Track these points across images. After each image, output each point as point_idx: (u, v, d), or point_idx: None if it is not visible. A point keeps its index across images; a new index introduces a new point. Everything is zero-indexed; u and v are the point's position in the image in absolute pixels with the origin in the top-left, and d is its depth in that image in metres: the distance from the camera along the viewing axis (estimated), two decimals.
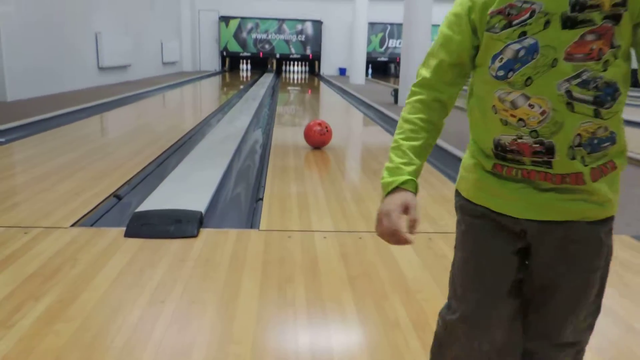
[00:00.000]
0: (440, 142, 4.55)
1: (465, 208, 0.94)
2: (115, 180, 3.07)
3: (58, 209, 2.49)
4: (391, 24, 18.80)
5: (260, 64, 18.82)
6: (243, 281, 1.79)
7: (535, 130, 0.81)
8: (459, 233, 0.97)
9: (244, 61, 18.97)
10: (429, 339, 1.06)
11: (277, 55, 18.79)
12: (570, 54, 0.77)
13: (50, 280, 1.74)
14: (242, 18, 18.41)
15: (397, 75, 16.66)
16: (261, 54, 18.67)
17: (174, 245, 2.09)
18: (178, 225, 2.23)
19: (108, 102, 7.19)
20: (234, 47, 18.57)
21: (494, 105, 0.84)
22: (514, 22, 0.80)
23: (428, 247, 2.15)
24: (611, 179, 0.84)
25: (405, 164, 0.88)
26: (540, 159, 0.83)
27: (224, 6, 18.46)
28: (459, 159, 4.40)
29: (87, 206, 2.56)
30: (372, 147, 4.93)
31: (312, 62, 19.07)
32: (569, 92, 0.78)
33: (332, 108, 8.72)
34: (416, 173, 0.88)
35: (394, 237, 0.85)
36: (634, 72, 0.88)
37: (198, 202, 2.53)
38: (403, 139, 0.89)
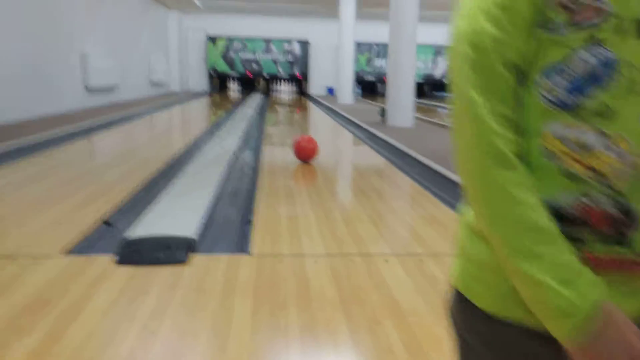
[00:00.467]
0: (431, 163, 4.60)
1: (482, 329, 0.63)
2: (104, 205, 3.04)
3: (46, 237, 2.47)
4: (377, 44, 19.08)
5: (248, 84, 18.94)
6: (235, 309, 1.78)
7: (612, 187, 0.56)
8: None
9: (232, 81, 19.09)
10: None
11: (265, 75, 18.94)
12: None
13: (39, 312, 1.71)
14: (230, 38, 18.57)
15: (383, 94, 16.76)
16: (250, 74, 18.80)
17: (164, 272, 2.07)
18: (167, 251, 2.21)
19: (95, 125, 7.16)
20: (222, 67, 18.68)
21: (546, 147, 0.58)
22: (581, 22, 0.56)
23: (419, 269, 2.16)
24: None
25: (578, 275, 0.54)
26: (613, 232, 0.56)
27: (211, 25, 18.62)
28: (450, 180, 4.44)
29: (75, 233, 2.54)
30: (360, 167, 4.96)
31: (300, 82, 19.23)
32: None
33: (321, 127, 8.77)
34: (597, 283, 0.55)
35: None
36: None
37: (188, 227, 2.52)
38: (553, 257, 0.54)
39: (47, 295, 1.84)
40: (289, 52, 18.93)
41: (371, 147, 6.05)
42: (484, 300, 0.63)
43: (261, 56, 18.86)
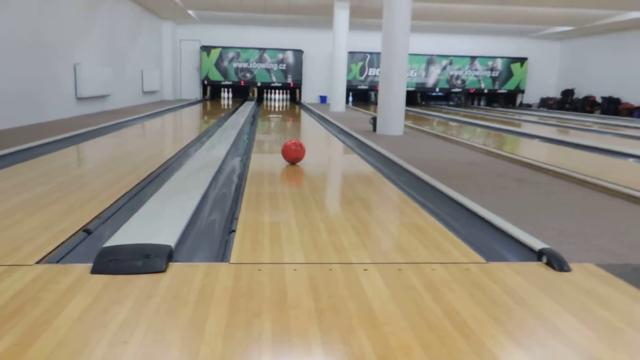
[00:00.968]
0: (416, 171, 4.61)
1: None
2: (87, 213, 3.03)
3: (24, 245, 2.45)
4: (371, 53, 19.20)
5: (241, 93, 18.99)
6: (209, 317, 1.77)
7: None
8: None
9: (225, 89, 19.13)
10: None
11: (259, 84, 18.99)
12: None
13: (8, 322, 1.69)
14: (224, 48, 18.64)
15: (376, 103, 16.78)
16: (242, 82, 18.85)
17: (141, 281, 2.06)
18: (146, 260, 2.20)
19: (85, 132, 7.14)
20: (215, 76, 18.72)
21: None
22: None
23: (397, 278, 2.16)
24: None
25: None
26: None
27: (206, 36, 18.69)
28: (435, 189, 4.46)
29: (55, 241, 2.52)
30: (348, 175, 4.96)
31: (293, 90, 19.30)
32: None
33: (312, 135, 8.78)
34: None
35: None
36: None
37: (169, 235, 2.51)
38: None
39: (17, 303, 1.82)
40: (283, 61, 19.01)
41: (360, 155, 6.06)
42: None
43: (255, 65, 18.93)
